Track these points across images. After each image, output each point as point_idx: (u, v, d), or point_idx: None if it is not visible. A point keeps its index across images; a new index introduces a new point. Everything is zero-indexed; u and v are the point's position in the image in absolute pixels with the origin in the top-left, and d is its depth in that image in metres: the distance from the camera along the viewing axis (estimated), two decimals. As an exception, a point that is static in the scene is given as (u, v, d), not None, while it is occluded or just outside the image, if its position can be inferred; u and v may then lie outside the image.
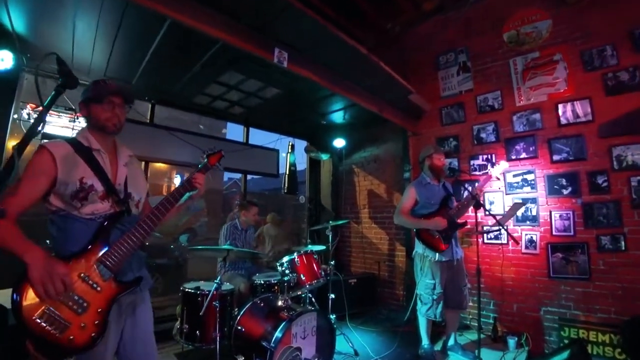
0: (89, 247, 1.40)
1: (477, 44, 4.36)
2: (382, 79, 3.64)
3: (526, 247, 3.71)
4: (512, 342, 3.35)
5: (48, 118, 3.59)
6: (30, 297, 1.24)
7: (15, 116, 3.32)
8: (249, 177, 5.47)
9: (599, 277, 3.26)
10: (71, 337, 1.28)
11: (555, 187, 3.60)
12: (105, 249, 1.42)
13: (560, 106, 3.66)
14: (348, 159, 5.84)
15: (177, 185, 1.68)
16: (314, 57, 3.19)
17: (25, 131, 3.34)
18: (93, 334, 1.33)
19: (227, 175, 17.25)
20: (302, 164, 6.25)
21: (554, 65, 3.75)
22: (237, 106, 4.54)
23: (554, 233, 3.56)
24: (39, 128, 1.13)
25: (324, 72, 3.35)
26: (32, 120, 3.60)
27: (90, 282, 1.36)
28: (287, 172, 5.46)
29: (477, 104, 4.28)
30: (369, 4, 4.48)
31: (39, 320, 1.23)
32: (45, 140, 1.51)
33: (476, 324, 3.72)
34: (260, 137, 5.06)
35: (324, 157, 5.88)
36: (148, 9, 2.20)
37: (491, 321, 3.74)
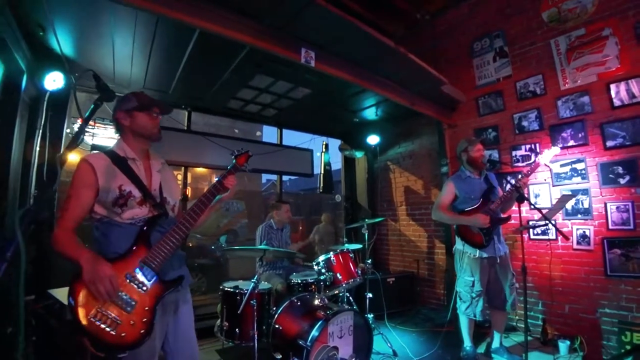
0: (133, 249, 1.50)
1: (513, 27, 4.09)
2: (412, 71, 3.52)
3: (578, 243, 3.42)
4: (563, 345, 3.09)
5: (96, 130, 3.90)
6: (84, 298, 1.35)
7: (68, 130, 3.63)
8: (286, 177, 5.54)
9: (665, 275, 2.93)
10: (123, 334, 1.37)
11: (611, 176, 3.28)
12: (148, 250, 1.51)
13: (612, 86, 3.32)
14: (383, 156, 5.74)
15: (209, 187, 1.74)
16: (341, 54, 3.16)
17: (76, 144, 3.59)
18: (142, 331, 1.42)
19: (265, 177, 17.63)
20: (337, 163, 6.24)
21: (603, 41, 3.42)
22: (270, 108, 4.62)
23: (610, 227, 3.24)
24: (79, 139, 1.21)
25: (352, 69, 3.31)
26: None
27: (136, 282, 1.45)
28: (322, 172, 5.49)
29: (516, 90, 4.01)
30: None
31: (93, 319, 1.34)
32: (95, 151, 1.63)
33: (523, 326, 3.51)
34: (294, 138, 5.11)
35: (358, 155, 5.83)
36: (176, 21, 2.30)
37: (540, 323, 3.50)
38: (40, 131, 3.23)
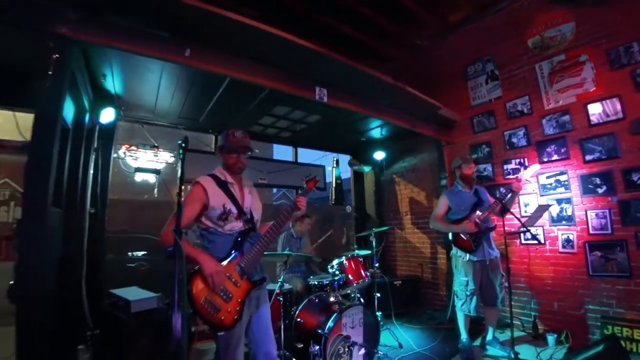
0: (232, 253, 1.97)
1: (502, 52, 4.56)
2: (410, 100, 4.04)
3: (563, 247, 3.82)
4: (551, 338, 3.49)
5: (137, 154, 4.50)
6: (198, 288, 1.82)
7: (115, 155, 4.25)
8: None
9: (640, 274, 3.29)
10: (222, 318, 1.84)
11: (590, 186, 3.69)
12: (242, 256, 1.98)
13: (589, 106, 3.74)
14: (389, 170, 6.23)
15: (286, 207, 2.15)
16: (349, 90, 3.72)
17: (122, 166, 4.23)
18: (235, 317, 1.88)
19: (276, 188, 18.28)
20: (345, 173, 6.72)
21: (581, 66, 3.85)
22: (286, 131, 5.18)
23: (591, 232, 3.63)
24: (183, 175, 1.65)
25: (359, 101, 3.87)
26: (127, 158, 4.53)
27: (233, 279, 1.92)
28: (334, 185, 5.96)
29: (506, 110, 4.47)
30: (395, 24, 4.82)
31: (203, 304, 1.81)
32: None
33: (518, 323, 3.91)
34: (307, 155, 5.62)
35: (366, 169, 6.31)
36: (211, 72, 2.91)
37: (531, 319, 3.87)
38: (94, 156, 3.83)
